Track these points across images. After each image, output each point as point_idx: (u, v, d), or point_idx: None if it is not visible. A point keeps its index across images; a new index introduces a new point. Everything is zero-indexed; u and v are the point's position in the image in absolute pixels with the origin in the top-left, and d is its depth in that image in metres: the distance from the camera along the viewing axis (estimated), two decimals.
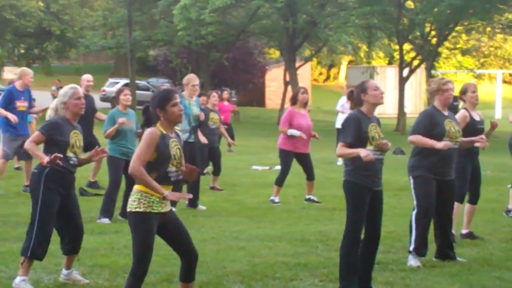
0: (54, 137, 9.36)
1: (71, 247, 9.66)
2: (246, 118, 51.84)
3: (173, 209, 14.48)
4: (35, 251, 9.43)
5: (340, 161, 24.12)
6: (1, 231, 12.96)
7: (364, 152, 8.75)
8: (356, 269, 9.19)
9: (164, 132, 7.64)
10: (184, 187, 13.74)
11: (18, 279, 9.47)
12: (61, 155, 9.11)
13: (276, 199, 16.56)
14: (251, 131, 41.30)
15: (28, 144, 9.40)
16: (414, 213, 10.79)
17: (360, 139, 9.00)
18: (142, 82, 60.81)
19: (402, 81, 47.23)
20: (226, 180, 19.33)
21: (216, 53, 55.32)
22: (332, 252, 11.63)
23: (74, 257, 9.78)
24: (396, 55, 50.29)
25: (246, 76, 62.29)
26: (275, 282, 9.92)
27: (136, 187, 7.61)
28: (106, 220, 14.03)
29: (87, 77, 16.80)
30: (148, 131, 7.62)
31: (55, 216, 9.51)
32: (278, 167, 23.00)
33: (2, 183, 16.94)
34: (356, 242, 9.18)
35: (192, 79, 15.55)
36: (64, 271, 9.73)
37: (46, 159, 9.07)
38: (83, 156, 9.77)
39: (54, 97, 16.37)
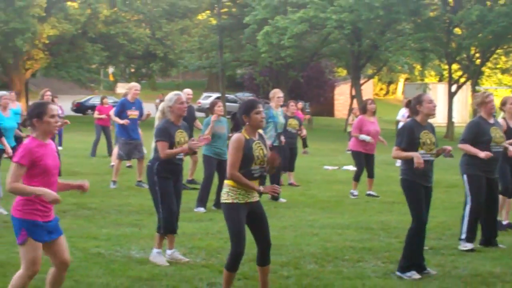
0: (164, 140, 9.58)
1: (171, 226, 9.82)
2: (318, 126, 51.65)
3: (282, 200, 14.67)
4: (166, 228, 9.67)
5: (398, 162, 23.92)
6: (116, 218, 13.11)
7: (416, 157, 8.78)
8: (416, 254, 9.20)
9: (248, 137, 7.64)
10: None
11: (154, 251, 9.76)
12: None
13: (355, 192, 16.53)
14: (322, 137, 41.17)
15: (164, 155, 9.56)
16: (467, 207, 10.68)
17: (412, 144, 9.03)
18: (231, 96, 60.93)
19: (451, 95, 46.61)
20: (301, 177, 19.31)
21: (293, 72, 55.25)
22: (392, 238, 11.62)
23: (174, 237, 9.90)
24: (446, 73, 49.61)
25: (318, 91, 62.19)
26: (344, 263, 9.91)
27: (226, 182, 7.69)
28: (201, 209, 14.11)
29: (187, 91, 16.85)
30: (233, 138, 7.64)
31: (173, 197, 9.72)
32: (346, 167, 23.11)
33: (117, 179, 17.14)
34: (421, 230, 9.18)
35: (277, 92, 15.65)
36: (168, 251, 9.85)
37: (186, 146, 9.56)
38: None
39: (157, 108, 16.59)
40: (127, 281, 8.67)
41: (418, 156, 8.82)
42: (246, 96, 57.01)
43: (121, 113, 17.13)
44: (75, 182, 6.95)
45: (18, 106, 17.98)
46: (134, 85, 18.19)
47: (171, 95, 9.82)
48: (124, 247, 10.53)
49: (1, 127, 14.13)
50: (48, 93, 12.92)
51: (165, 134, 9.63)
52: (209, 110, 14.83)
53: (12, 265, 9.41)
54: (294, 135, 18.33)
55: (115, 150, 17.91)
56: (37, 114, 6.80)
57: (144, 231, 11.98)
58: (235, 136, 7.65)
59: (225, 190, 7.67)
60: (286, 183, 17.98)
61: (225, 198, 7.63)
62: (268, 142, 8.69)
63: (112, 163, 18.53)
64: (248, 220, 7.67)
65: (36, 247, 6.76)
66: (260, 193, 7.55)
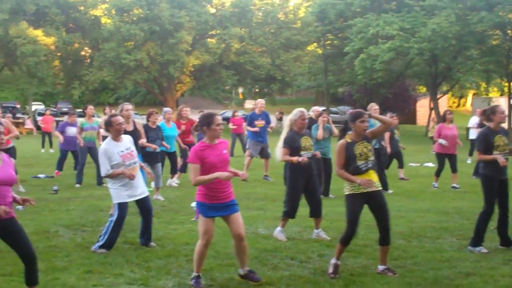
0: (292, 145, 9.65)
1: (314, 212, 9.91)
2: (403, 132, 50.60)
3: (390, 191, 14.62)
4: (288, 213, 9.79)
5: (469, 160, 23.50)
6: (246, 203, 13.12)
7: (499, 159, 8.70)
8: (484, 232, 9.05)
9: (350, 140, 7.58)
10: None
11: (278, 229, 9.87)
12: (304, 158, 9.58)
13: (436, 184, 16.46)
14: (407, 140, 40.39)
15: (281, 157, 9.72)
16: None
17: (488, 148, 8.91)
18: (333, 109, 60.79)
19: (510, 107, 45.12)
20: (391, 173, 19.04)
21: (383, 89, 54.62)
22: (464, 220, 11.41)
23: (319, 219, 9.98)
24: (506, 89, 48.41)
25: (403, 104, 61.22)
26: (426, 239, 9.80)
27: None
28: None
29: (127, 107, 16.41)
30: (338, 144, 7.63)
31: (301, 190, 9.78)
32: (427, 164, 22.79)
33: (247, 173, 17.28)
34: (490, 214, 9.03)
35: (373, 105, 15.55)
36: (316, 230, 9.97)
37: (297, 159, 9.55)
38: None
39: (277, 119, 16.86)
40: (256, 251, 8.77)
41: (499, 158, 8.74)
42: (346, 109, 56.70)
43: (251, 123, 17.53)
44: (234, 171, 7.09)
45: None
46: (260, 101, 18.69)
47: (296, 111, 9.95)
48: (252, 226, 10.63)
49: (164, 134, 14.61)
50: (129, 107, 12.68)
51: (288, 141, 9.74)
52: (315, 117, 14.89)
53: (167, 239, 9.67)
54: (397, 141, 18.13)
55: (248, 151, 18.19)
56: (206, 123, 6.99)
57: (268, 214, 12.09)
58: (339, 142, 7.66)
59: (344, 184, 7.65)
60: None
61: (345, 190, 7.63)
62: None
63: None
64: (370, 208, 7.61)
65: (206, 221, 6.97)
66: (359, 184, 7.47)
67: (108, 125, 9.01)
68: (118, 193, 8.88)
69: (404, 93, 61.50)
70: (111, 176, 8.85)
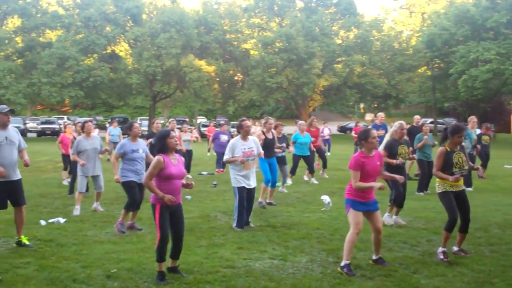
0: (391, 151, 9.53)
1: (398, 203, 9.63)
2: (500, 139, 48.30)
3: (470, 189, 14.00)
4: (396, 201, 9.56)
5: None
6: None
7: None
8: None
9: (449, 149, 7.31)
10: None
11: (386, 215, 9.62)
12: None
13: None
14: (502, 146, 38.67)
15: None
16: None
17: None
18: (440, 120, 58.78)
19: None
20: (488, 173, 18.15)
21: (482, 104, 52.05)
22: None
23: (399, 210, 9.73)
24: None
25: (500, 116, 58.02)
26: None
27: (437, 180, 7.42)
28: (421, 193, 13.69)
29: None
30: (438, 150, 7.37)
31: (400, 185, 9.49)
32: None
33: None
34: None
35: (473, 118, 15.13)
36: (394, 216, 9.73)
37: (394, 162, 9.42)
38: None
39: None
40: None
41: None
42: (450, 120, 54.58)
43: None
44: (381, 186, 6.74)
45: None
46: (381, 114, 18.37)
47: (397, 123, 9.80)
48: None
49: (299, 141, 14.83)
50: (271, 121, 12.51)
51: (388, 147, 9.61)
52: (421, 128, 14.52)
53: (302, 224, 9.73)
54: (487, 146, 17.37)
55: None
56: (364, 137, 6.86)
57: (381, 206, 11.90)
58: (440, 148, 7.38)
59: (437, 184, 7.41)
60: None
61: (437, 189, 7.41)
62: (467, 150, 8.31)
63: None
64: (456, 203, 7.32)
65: (357, 214, 6.76)
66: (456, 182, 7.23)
67: (239, 127, 9.45)
68: (237, 180, 9.29)
69: (500, 107, 58.41)
70: (229, 162, 9.27)
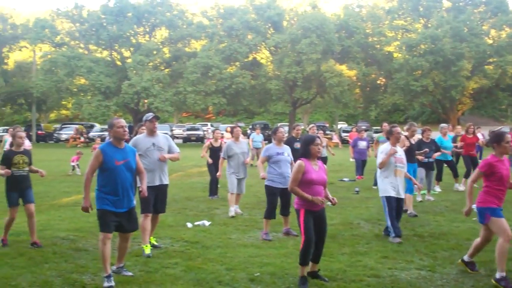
0: None
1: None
2: None
3: None
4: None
5: None
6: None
7: None
8: None
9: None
10: None
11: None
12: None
13: None
14: None
15: None
16: None
17: None
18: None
19: None
20: None
21: None
22: None
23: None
24: None
25: None
26: None
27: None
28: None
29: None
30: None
31: None
32: None
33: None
34: None
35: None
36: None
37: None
38: None
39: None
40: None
41: None
42: None
43: None
44: None
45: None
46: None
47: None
48: None
49: (442, 146, 14.29)
50: (415, 128, 12.07)
51: None
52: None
53: (451, 234, 9.40)
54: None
55: None
56: (497, 140, 6.59)
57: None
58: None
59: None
60: None
61: None
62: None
63: None
64: None
65: (501, 221, 6.44)
66: None
67: (389, 133, 9.31)
68: (385, 189, 9.02)
69: None
70: (384, 165, 9.04)
